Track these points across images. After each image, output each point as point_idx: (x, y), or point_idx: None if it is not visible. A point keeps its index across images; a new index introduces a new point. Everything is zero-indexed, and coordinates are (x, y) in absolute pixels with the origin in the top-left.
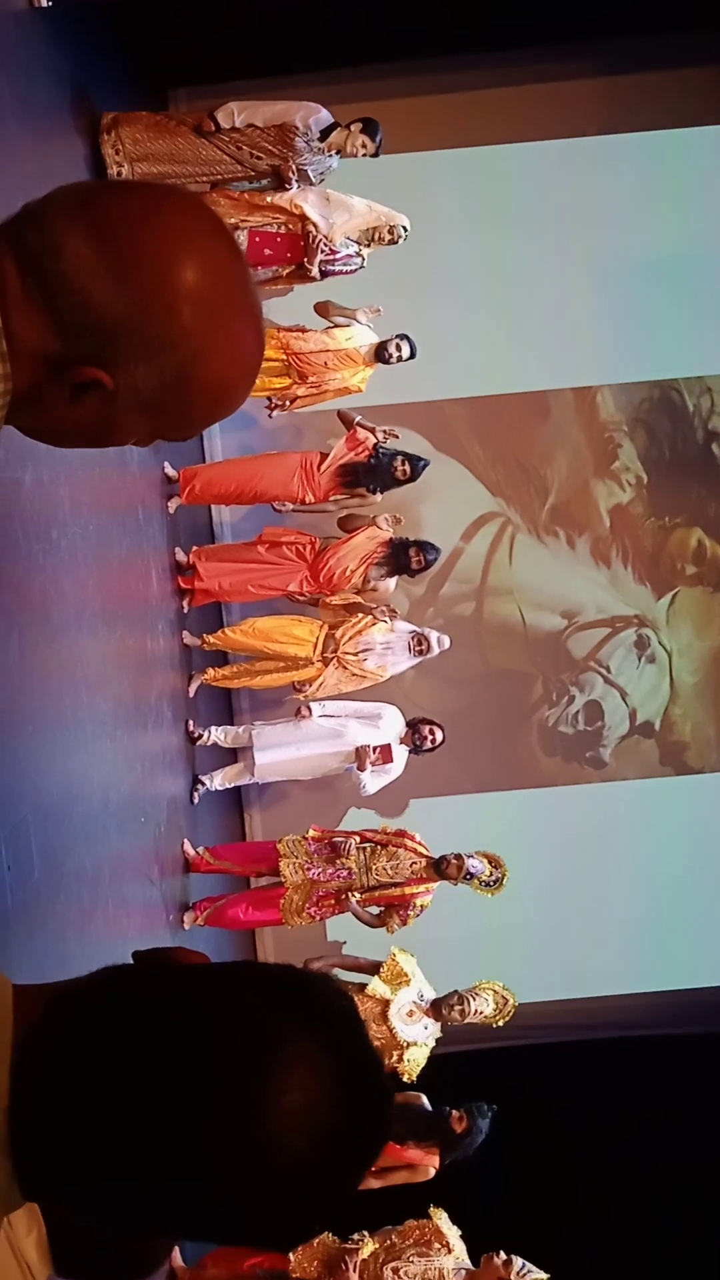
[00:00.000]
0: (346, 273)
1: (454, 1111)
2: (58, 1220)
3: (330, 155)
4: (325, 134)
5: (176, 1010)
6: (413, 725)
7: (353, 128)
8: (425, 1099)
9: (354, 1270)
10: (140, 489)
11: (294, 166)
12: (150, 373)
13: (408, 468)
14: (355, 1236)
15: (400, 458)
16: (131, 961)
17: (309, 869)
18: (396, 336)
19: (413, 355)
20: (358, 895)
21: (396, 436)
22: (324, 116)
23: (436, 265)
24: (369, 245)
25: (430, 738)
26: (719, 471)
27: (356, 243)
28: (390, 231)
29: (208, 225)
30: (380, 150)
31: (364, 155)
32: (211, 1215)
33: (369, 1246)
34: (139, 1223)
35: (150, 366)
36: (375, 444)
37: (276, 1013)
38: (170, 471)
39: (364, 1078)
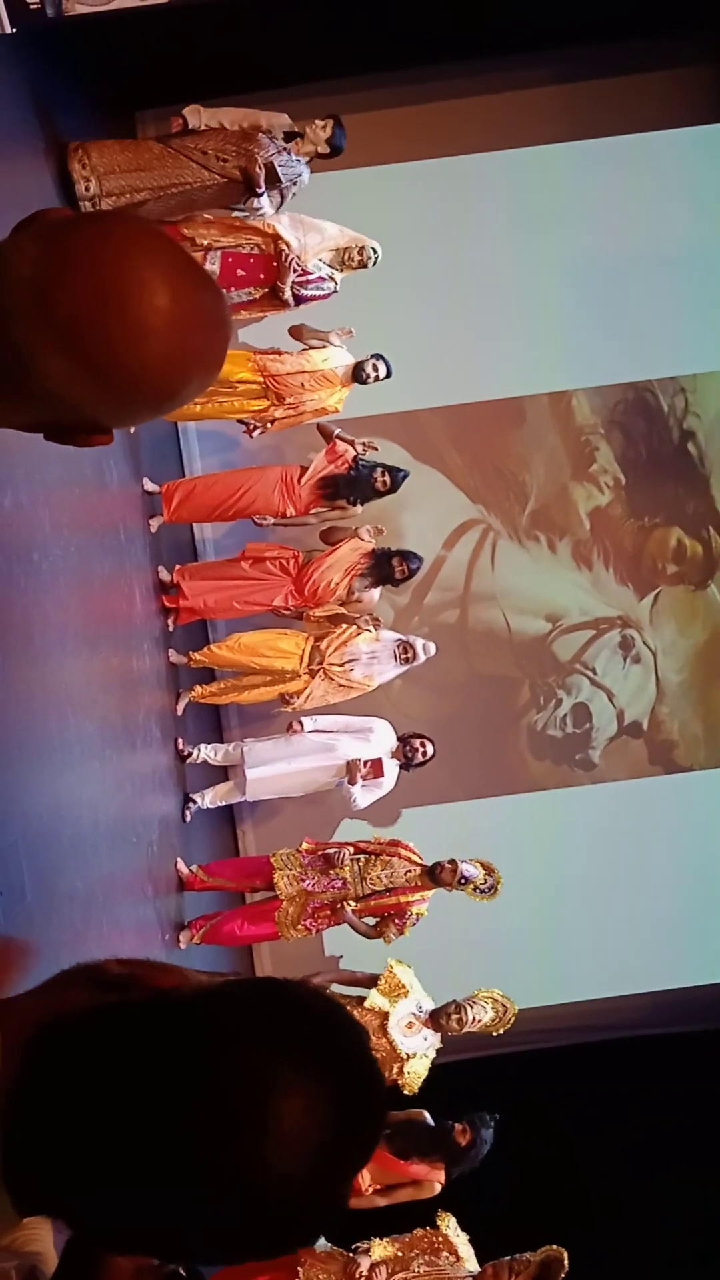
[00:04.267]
0: (320, 297)
1: (457, 1124)
2: None
3: (297, 159)
4: (288, 139)
5: (167, 1039)
6: (404, 740)
7: (315, 121)
8: (428, 1115)
9: (369, 1271)
10: (121, 509)
11: (261, 163)
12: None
13: (388, 479)
14: (363, 1245)
15: (380, 469)
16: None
17: (303, 880)
18: (372, 356)
19: (389, 375)
20: (353, 905)
21: (376, 448)
22: (286, 120)
23: (407, 276)
24: (340, 269)
25: (421, 750)
26: (696, 470)
27: (329, 265)
28: (361, 253)
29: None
30: (340, 138)
31: (323, 136)
32: (209, 1237)
33: (379, 1250)
34: (136, 1243)
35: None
36: (355, 456)
37: (264, 1036)
38: (150, 486)
39: (355, 1087)
